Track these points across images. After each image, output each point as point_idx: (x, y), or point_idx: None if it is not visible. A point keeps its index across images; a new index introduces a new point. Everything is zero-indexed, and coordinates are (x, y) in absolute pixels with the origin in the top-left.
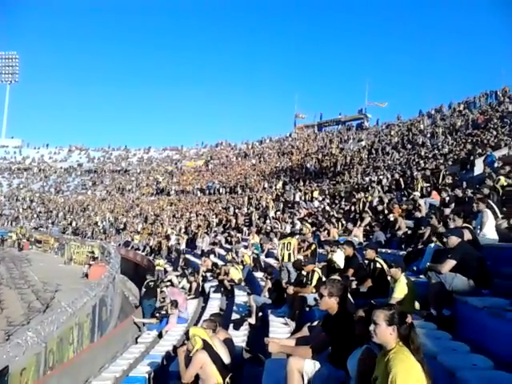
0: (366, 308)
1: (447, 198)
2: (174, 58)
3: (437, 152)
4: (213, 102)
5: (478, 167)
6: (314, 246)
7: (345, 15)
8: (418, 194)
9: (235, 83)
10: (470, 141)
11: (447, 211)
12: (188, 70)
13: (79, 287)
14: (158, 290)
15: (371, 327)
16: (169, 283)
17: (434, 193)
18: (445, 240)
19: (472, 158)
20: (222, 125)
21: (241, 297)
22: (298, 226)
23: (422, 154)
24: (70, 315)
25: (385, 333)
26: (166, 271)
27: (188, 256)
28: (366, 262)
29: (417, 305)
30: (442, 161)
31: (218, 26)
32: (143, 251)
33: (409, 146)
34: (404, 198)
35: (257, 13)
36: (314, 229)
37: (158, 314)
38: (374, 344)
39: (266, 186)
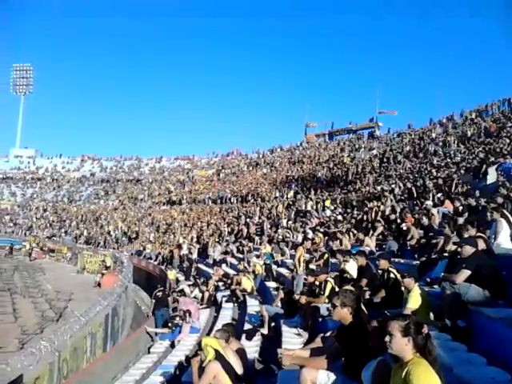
0: (379, 319)
1: (460, 207)
2: (185, 67)
3: (449, 161)
4: (223, 111)
5: (491, 176)
6: (326, 256)
7: (355, 24)
8: (430, 203)
9: (245, 92)
10: (482, 149)
11: (460, 220)
12: (199, 79)
13: (92, 296)
14: (170, 299)
15: (386, 338)
16: (181, 293)
17: (447, 202)
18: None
19: (485, 166)
20: (232, 134)
21: (253, 307)
22: (310, 235)
23: (434, 162)
24: (83, 324)
25: (400, 344)
26: (178, 281)
27: (200, 265)
28: (380, 272)
29: (431, 315)
30: (454, 169)
31: (228, 35)
32: (155, 260)
33: (421, 155)
34: (416, 207)
35: (266, 22)
36: (327, 238)
37: (170, 324)
38: (389, 355)
39: (278, 195)
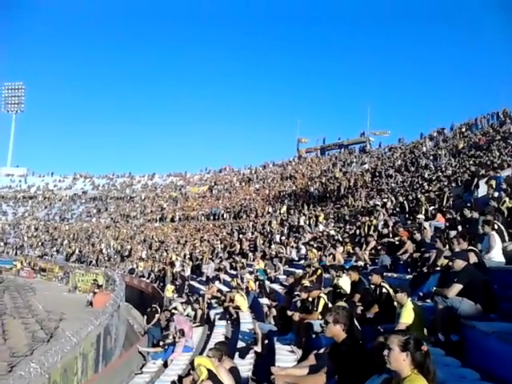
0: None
1: (452, 221)
2: (176, 84)
3: (440, 174)
4: (216, 127)
5: (482, 189)
6: (319, 271)
7: (345, 40)
8: (422, 216)
9: (237, 109)
10: (472, 162)
11: (452, 234)
12: (190, 96)
13: (84, 316)
14: (160, 316)
15: (385, 352)
16: (174, 311)
17: (439, 215)
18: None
19: (476, 179)
20: (225, 150)
21: (246, 324)
22: (303, 250)
23: (426, 176)
24: (74, 345)
25: (398, 358)
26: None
27: (193, 283)
28: (372, 287)
29: (424, 330)
30: (445, 183)
31: (219, 52)
32: (148, 278)
33: (412, 169)
34: (409, 221)
35: (257, 39)
36: (320, 253)
37: (161, 343)
38: (394, 373)
39: (271, 210)
